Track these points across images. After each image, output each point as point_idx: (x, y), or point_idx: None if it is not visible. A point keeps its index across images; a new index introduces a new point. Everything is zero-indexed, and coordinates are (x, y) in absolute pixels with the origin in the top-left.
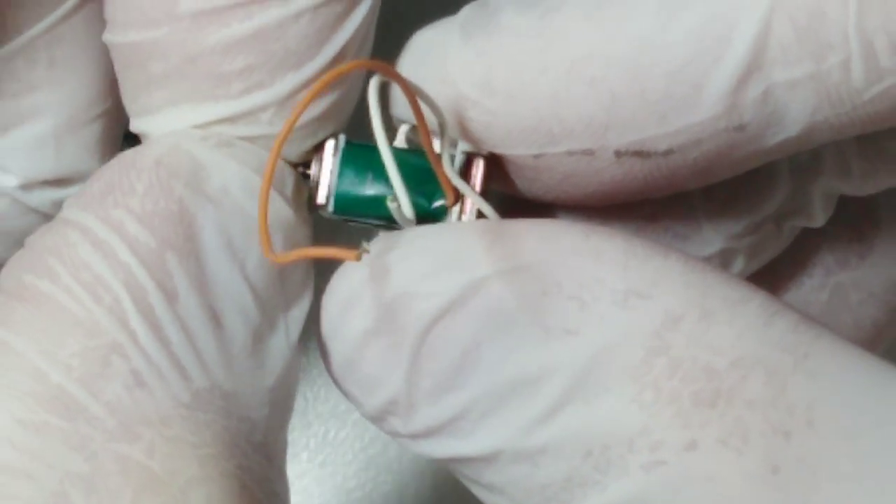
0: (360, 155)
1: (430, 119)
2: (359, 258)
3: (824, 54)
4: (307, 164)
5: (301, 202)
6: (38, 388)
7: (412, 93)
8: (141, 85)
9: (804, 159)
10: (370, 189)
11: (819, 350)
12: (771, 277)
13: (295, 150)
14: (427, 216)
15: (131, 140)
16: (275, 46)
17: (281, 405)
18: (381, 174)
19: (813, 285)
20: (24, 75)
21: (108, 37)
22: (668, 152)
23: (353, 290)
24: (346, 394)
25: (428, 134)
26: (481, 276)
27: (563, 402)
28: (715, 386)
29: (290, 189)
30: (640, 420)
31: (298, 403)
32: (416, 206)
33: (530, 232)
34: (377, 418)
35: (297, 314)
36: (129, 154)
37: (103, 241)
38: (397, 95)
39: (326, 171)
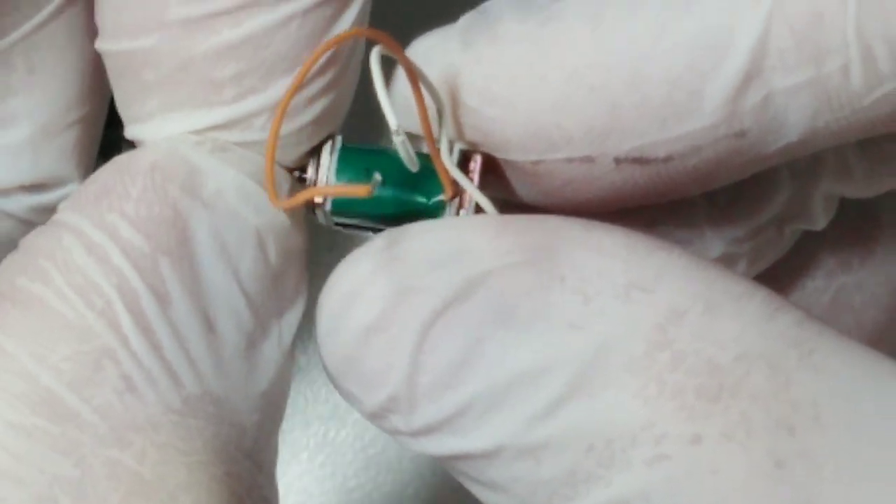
0: (356, 156)
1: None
2: (370, 193)
3: (823, 59)
4: (304, 169)
5: (296, 210)
6: (29, 392)
7: (413, 71)
8: (134, 93)
9: (805, 163)
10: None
11: (823, 346)
12: (773, 281)
13: (290, 155)
14: (425, 212)
15: (121, 146)
16: (265, 52)
17: (272, 411)
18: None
19: (815, 287)
20: (2, 82)
21: (101, 45)
22: (668, 159)
23: (353, 285)
24: (343, 393)
25: (427, 117)
26: (483, 270)
27: (566, 396)
28: (719, 380)
29: (286, 195)
30: (643, 414)
31: (298, 403)
32: (413, 202)
33: (532, 226)
34: (377, 416)
35: (291, 320)
36: (125, 158)
37: (97, 245)
38: (376, 86)
39: (324, 170)
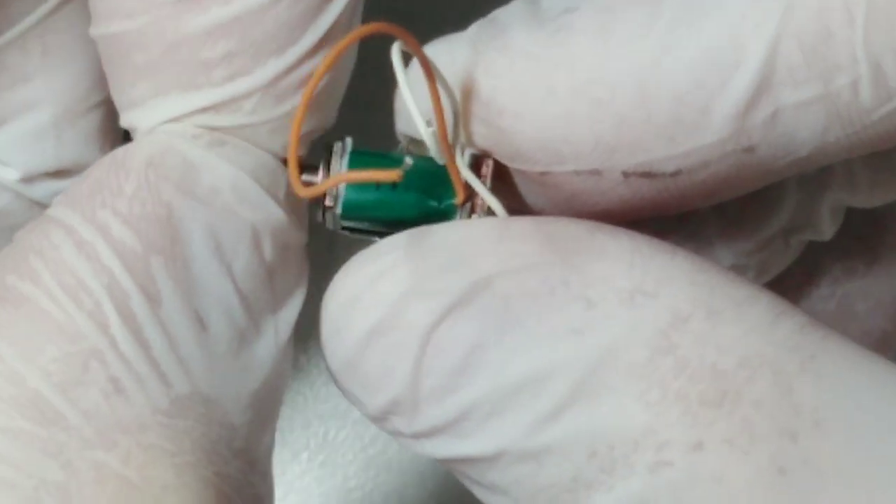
0: (366, 160)
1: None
2: (401, 176)
3: (833, 75)
4: (312, 170)
5: (296, 204)
6: (16, 394)
7: (430, 68)
8: (126, 77)
9: (813, 173)
10: (377, 193)
11: (826, 351)
12: (778, 288)
13: (281, 141)
14: (437, 216)
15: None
16: (255, 31)
17: (266, 409)
18: None
19: (820, 295)
20: (18, 67)
21: (93, 30)
22: (676, 173)
23: (357, 288)
24: (347, 394)
25: (443, 117)
26: (487, 274)
27: (569, 401)
28: (721, 385)
29: (284, 191)
30: (645, 420)
31: (298, 403)
32: (424, 206)
33: (537, 229)
34: (379, 419)
35: (287, 316)
36: (121, 152)
37: (87, 243)
38: (402, 108)
39: (334, 172)
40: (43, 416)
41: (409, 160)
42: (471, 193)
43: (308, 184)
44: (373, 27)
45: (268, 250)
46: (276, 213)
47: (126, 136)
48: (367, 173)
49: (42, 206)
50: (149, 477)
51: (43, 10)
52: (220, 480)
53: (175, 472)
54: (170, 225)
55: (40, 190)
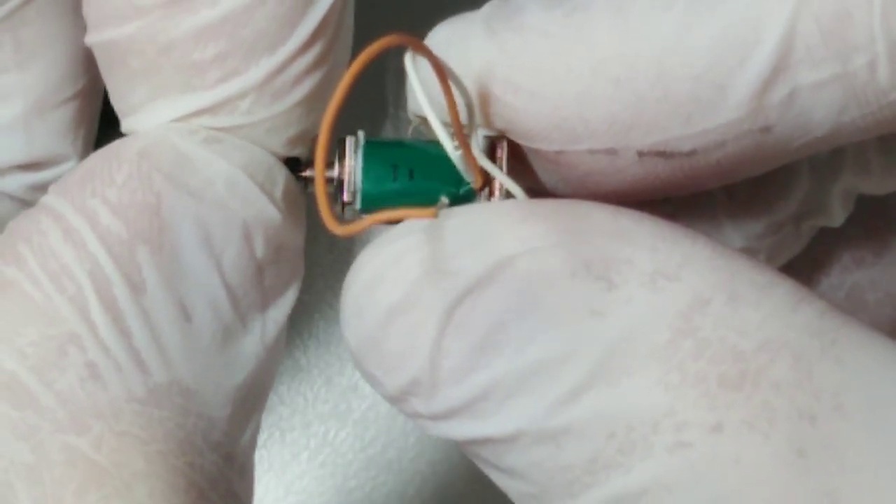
0: (381, 151)
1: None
2: (435, 215)
3: (850, 56)
4: (297, 161)
5: (294, 204)
6: None
7: (442, 69)
8: (124, 83)
9: (825, 157)
10: (395, 183)
11: (846, 336)
12: (788, 276)
13: (279, 140)
14: (456, 201)
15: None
16: (245, 31)
17: (247, 405)
18: (403, 168)
19: (830, 284)
20: None
21: (89, 38)
22: (692, 153)
23: (379, 267)
24: (366, 375)
25: (456, 111)
26: (509, 254)
27: (588, 383)
28: (742, 368)
29: (280, 189)
30: (665, 401)
31: (298, 403)
32: (444, 193)
33: (559, 211)
34: (398, 399)
35: (276, 315)
36: (116, 144)
37: (74, 230)
38: (415, 89)
39: (349, 168)
40: (16, 398)
41: (445, 199)
42: (488, 178)
43: (329, 180)
44: (388, 41)
45: (259, 247)
46: (269, 211)
47: (101, 130)
48: (402, 212)
49: (14, 198)
50: (119, 463)
51: (14, 2)
52: (193, 471)
53: (146, 459)
54: (158, 215)
55: (11, 183)
